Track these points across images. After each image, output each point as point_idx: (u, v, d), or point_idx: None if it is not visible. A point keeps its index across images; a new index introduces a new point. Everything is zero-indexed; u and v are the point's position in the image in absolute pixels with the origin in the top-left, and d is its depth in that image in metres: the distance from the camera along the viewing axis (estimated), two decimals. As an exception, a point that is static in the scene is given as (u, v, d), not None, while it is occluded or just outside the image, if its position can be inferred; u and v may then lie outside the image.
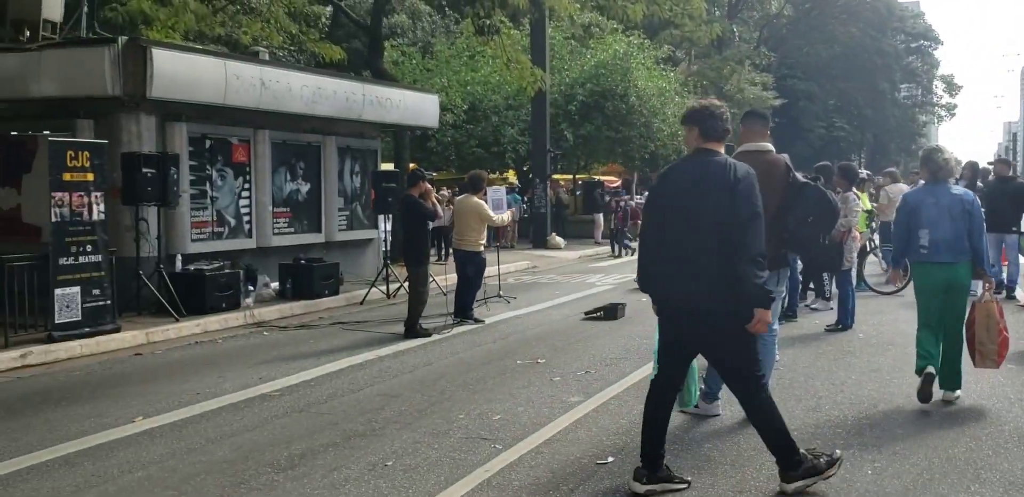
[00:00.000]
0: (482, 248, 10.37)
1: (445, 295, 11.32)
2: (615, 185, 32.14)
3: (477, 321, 10.29)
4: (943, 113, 66.26)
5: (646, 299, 11.56)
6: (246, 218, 12.66)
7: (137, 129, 11.08)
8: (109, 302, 9.55)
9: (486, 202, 11.37)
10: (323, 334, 9.96)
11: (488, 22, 19.40)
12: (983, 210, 6.25)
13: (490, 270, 12.70)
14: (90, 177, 9.30)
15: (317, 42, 19.40)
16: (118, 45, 10.09)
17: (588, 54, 26.45)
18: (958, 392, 6.15)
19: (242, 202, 12.59)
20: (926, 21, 66.51)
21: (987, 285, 6.14)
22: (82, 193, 9.22)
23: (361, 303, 12.56)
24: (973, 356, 6.09)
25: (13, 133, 11.12)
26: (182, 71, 10.64)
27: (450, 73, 26.45)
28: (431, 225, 9.98)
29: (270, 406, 6.38)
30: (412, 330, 9.32)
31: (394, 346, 8.82)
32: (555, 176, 27.20)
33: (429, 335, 9.33)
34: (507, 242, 21.53)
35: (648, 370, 7.33)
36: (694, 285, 4.25)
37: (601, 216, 25.12)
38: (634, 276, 13.86)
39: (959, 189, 6.25)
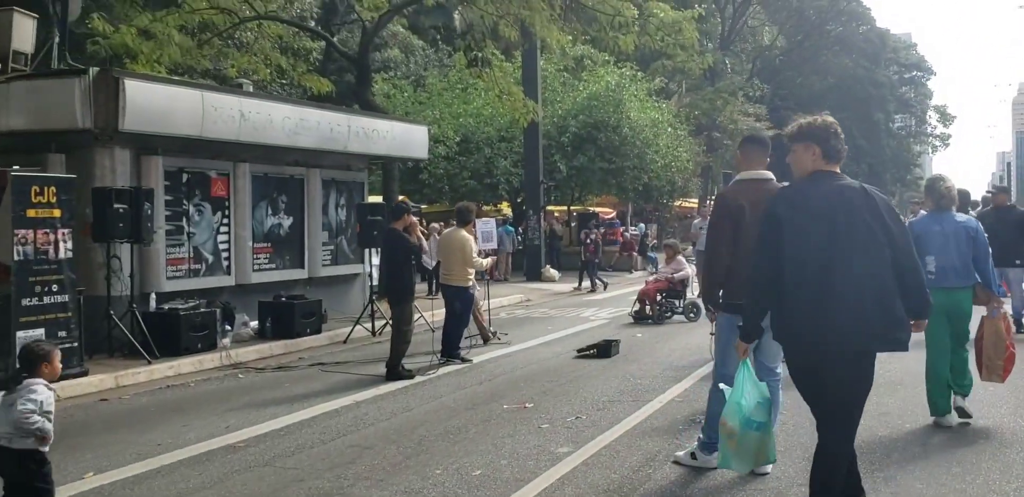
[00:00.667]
0: (471, 283, 9.91)
1: (433, 331, 10.84)
2: (610, 216, 31.83)
3: (464, 361, 9.80)
4: (937, 143, 66.38)
5: (641, 335, 11.02)
6: (224, 254, 12.22)
7: (111, 163, 10.69)
8: (76, 344, 9.07)
9: (475, 234, 10.93)
10: (301, 376, 9.46)
11: (480, 55, 19.23)
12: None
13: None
14: (57, 213, 8.88)
15: (304, 74, 19.11)
16: (89, 77, 9.73)
17: (580, 86, 26.30)
18: (966, 401, 6.33)
19: (220, 238, 12.15)
20: (919, 52, 67.00)
21: (996, 303, 6.28)
22: (48, 230, 8.78)
23: (345, 342, 12.07)
24: (980, 370, 6.36)
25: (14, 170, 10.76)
26: (156, 103, 10.28)
27: (442, 106, 26.27)
28: (419, 260, 9.51)
29: (233, 460, 5.88)
30: (394, 371, 8.83)
31: (374, 389, 8.33)
32: (550, 207, 26.89)
33: (412, 377, 8.84)
34: (501, 275, 21.08)
35: (644, 413, 6.87)
36: (869, 327, 3.76)
37: (596, 248, 24.71)
38: (629, 310, 13.51)
39: (963, 216, 6.46)
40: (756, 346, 5.19)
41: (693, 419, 6.46)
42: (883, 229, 3.80)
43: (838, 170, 4.03)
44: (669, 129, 27.48)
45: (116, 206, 9.92)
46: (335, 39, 26.80)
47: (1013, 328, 6.65)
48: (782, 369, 5.58)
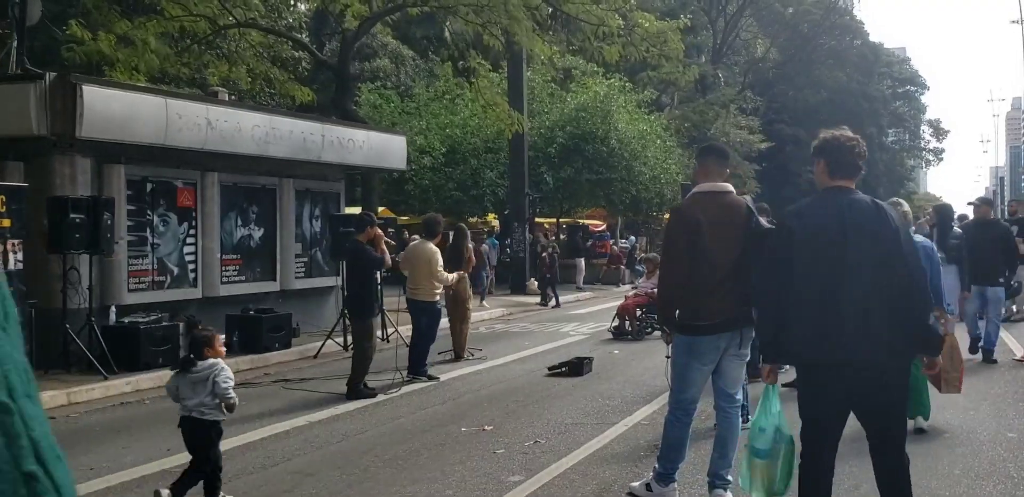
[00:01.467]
0: (437, 298, 9.57)
1: (408, 346, 10.46)
2: (600, 229, 31.54)
3: (431, 378, 9.45)
4: (931, 157, 66.36)
5: (618, 351, 10.66)
6: (191, 266, 11.87)
7: (71, 172, 10.35)
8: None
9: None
10: (260, 394, 9.10)
11: (466, 64, 18.99)
12: (968, 260, 6.66)
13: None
14: (6, 223, 8.56)
15: (286, 83, 18.84)
16: (45, 81, 9.42)
17: (568, 97, 26.05)
18: (926, 423, 6.48)
19: (187, 249, 11.81)
20: (912, 67, 66.98)
21: (943, 320, 6.33)
22: (-4, 240, 8.45)
23: (315, 357, 11.72)
24: (939, 384, 6.47)
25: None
26: (117, 109, 9.96)
27: (429, 116, 26.04)
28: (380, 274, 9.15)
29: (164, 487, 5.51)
30: (355, 390, 8.48)
31: (332, 409, 7.97)
32: (538, 219, 26.61)
33: (374, 395, 8.48)
34: (484, 288, 20.70)
35: (607, 437, 6.52)
36: (877, 338, 3.70)
37: (583, 261, 24.42)
38: (608, 325, 13.17)
39: (918, 237, 6.46)
40: (716, 369, 4.86)
41: (656, 444, 6.11)
42: (893, 245, 3.76)
43: (852, 185, 3.96)
44: (658, 141, 27.23)
45: (72, 216, 9.57)
46: (326, 49, 26.65)
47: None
48: (741, 395, 5.25)
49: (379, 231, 8.91)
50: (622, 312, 12.85)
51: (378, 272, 8.76)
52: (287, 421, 7.42)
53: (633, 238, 31.19)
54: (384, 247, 8.79)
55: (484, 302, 18.50)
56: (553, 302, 19.33)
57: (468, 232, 12.36)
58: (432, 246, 9.65)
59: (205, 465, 5.08)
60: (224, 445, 6.54)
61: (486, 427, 6.93)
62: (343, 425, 7.25)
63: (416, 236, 13.01)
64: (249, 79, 19.33)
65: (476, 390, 8.80)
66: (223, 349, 5.19)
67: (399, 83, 32.79)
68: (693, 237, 4.70)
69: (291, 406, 8.26)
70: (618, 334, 12.86)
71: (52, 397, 8.76)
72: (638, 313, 12.82)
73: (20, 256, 8.67)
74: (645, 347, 11.85)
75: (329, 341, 11.96)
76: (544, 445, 6.33)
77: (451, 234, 11.44)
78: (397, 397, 8.50)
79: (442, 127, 25.23)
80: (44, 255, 10.00)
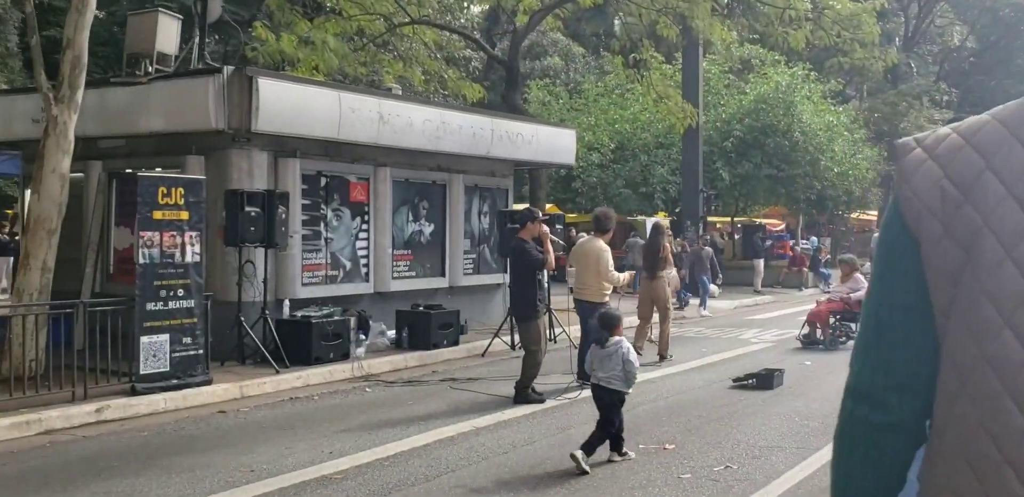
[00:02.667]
0: (607, 299, 8.91)
1: (576, 348, 9.88)
2: (778, 229, 29.87)
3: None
4: None
5: (810, 363, 9.63)
6: (363, 261, 11.80)
7: (248, 165, 10.47)
8: (201, 351, 8.77)
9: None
10: (428, 393, 8.78)
11: (637, 57, 18.23)
12: None
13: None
14: (184, 215, 8.61)
15: (456, 80, 18.74)
16: (223, 76, 9.49)
17: (747, 87, 24.67)
18: None
19: (359, 244, 11.75)
20: None
21: None
22: (174, 233, 8.53)
23: (482, 355, 11.38)
24: None
25: (128, 171, 10.83)
26: (291, 103, 9.94)
27: (598, 112, 25.43)
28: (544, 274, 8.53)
29: (322, 495, 5.18)
30: (523, 394, 7.97)
31: (498, 414, 7.50)
32: (711, 218, 25.42)
33: (542, 401, 7.95)
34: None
35: (810, 466, 5.67)
36: None
37: (762, 262, 23.04)
38: (797, 332, 12.06)
39: None
40: None
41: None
42: None
43: None
44: (846, 133, 25.33)
45: (248, 209, 9.63)
46: (497, 48, 26.61)
47: None
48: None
49: (544, 228, 8.34)
50: (813, 319, 11.72)
51: (540, 272, 8.19)
52: (452, 425, 7.01)
53: (815, 239, 29.26)
54: (550, 245, 8.21)
55: (705, 310, 17.13)
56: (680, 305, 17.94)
57: (665, 229, 11.70)
58: (602, 243, 9.01)
59: (610, 427, 5.74)
60: (389, 449, 6.23)
61: (667, 445, 6.22)
62: (510, 433, 6.74)
63: (584, 233, 12.45)
64: (423, 79, 19.41)
65: (653, 401, 8.08)
66: (622, 329, 5.99)
67: (568, 81, 32.39)
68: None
69: (457, 408, 7.86)
70: (808, 343, 11.75)
71: (226, 390, 8.79)
72: (831, 320, 11.65)
73: (197, 249, 8.73)
74: (841, 359, 10.68)
75: (496, 340, 11.59)
76: (737, 472, 5.55)
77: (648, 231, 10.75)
78: (566, 405, 7.93)
79: (611, 123, 24.54)
80: (222, 248, 10.16)
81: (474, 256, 13.65)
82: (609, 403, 5.83)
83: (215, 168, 10.36)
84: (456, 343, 11.60)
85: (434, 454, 6.08)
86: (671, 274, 11.49)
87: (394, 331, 11.66)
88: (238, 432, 7.04)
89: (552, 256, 8.22)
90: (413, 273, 12.63)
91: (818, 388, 8.67)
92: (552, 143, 14.24)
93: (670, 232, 14.10)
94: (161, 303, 8.43)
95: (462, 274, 13.34)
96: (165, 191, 8.45)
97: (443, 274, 13.08)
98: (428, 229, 12.89)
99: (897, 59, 23.36)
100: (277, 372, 9.48)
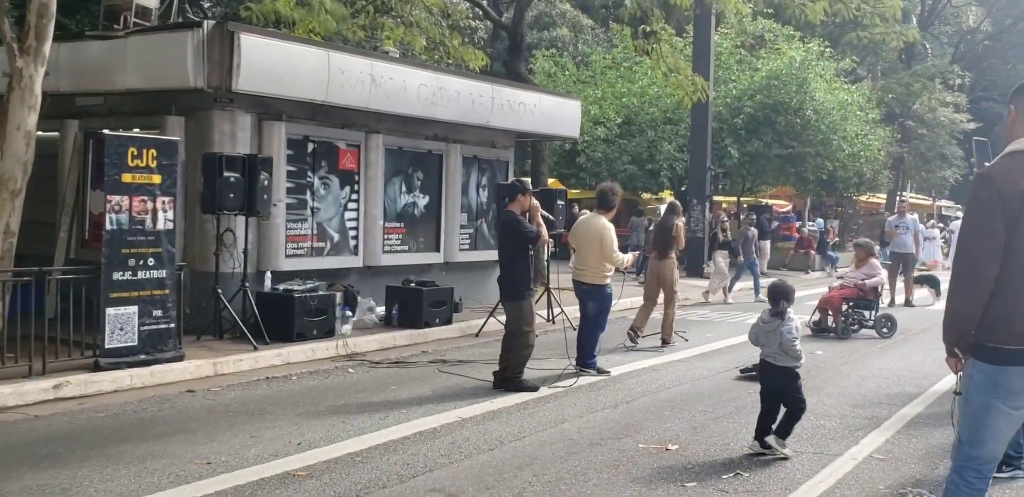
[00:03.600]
0: (608, 281, 8.30)
1: (575, 330, 9.28)
2: (785, 210, 29.19)
3: (601, 372, 8.24)
4: None
5: (822, 352, 9.00)
6: (352, 233, 11.19)
7: (231, 128, 9.81)
8: (173, 325, 8.18)
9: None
10: (414, 376, 8.21)
11: (647, 28, 17.43)
12: None
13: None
14: (156, 179, 7.98)
15: (461, 47, 17.95)
16: (203, 30, 8.80)
17: (759, 63, 23.85)
18: None
19: (348, 215, 11.12)
20: None
21: None
22: (145, 197, 7.90)
23: (476, 335, 10.82)
24: None
25: (105, 131, 10.16)
26: (275, 62, 9.26)
27: (605, 85, 24.60)
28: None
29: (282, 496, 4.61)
30: (514, 382, 7.39)
31: (487, 402, 6.92)
32: (716, 198, 24.72)
33: (535, 389, 7.36)
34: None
35: (831, 476, 5.08)
36: None
37: (768, 244, 22.41)
38: (807, 319, 11.44)
39: None
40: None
41: (901, 493, 4.64)
42: None
43: None
44: (859, 113, 24.54)
45: (227, 175, 9.00)
46: (504, 18, 25.72)
47: None
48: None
49: (535, 201, 7.68)
50: (824, 306, 11.11)
51: (532, 247, 7.56)
52: (436, 415, 6.42)
53: (821, 221, 28.58)
54: (540, 219, 7.57)
55: (730, 297, 16.27)
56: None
57: (679, 208, 11.09)
58: (605, 221, 8.37)
59: (800, 405, 5.52)
60: (363, 442, 5.67)
61: (669, 446, 5.63)
62: (498, 426, 6.16)
63: (587, 210, 11.76)
64: (425, 46, 18.62)
65: (654, 392, 7.48)
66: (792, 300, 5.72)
67: (576, 53, 31.52)
68: (1013, 216, 3.21)
69: (443, 394, 7.29)
70: (818, 330, 11.15)
71: (198, 367, 8.22)
72: (844, 307, 11.04)
73: (171, 215, 8.10)
74: (853, 348, 10.13)
75: (492, 319, 10.99)
76: (747, 480, 4.95)
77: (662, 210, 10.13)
78: (562, 393, 7.34)
79: (618, 96, 23.73)
80: (201, 216, 9.55)
81: (471, 231, 13.03)
82: (784, 382, 5.55)
83: (196, 130, 9.74)
84: (449, 322, 11.02)
85: (412, 449, 5.49)
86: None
87: (383, 308, 11.08)
88: (203, 416, 6.47)
89: (544, 230, 7.58)
90: (405, 247, 12.02)
91: (834, 382, 8.07)
92: (555, 113, 13.53)
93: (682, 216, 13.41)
94: (129, 273, 7.83)
95: (458, 250, 12.73)
96: (135, 152, 7.81)
97: (438, 249, 12.47)
98: (423, 201, 12.26)
99: (918, 35, 22.48)
100: (256, 349, 8.91)
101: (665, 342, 10.18)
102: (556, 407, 6.77)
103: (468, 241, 13.00)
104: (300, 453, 5.38)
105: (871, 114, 25.52)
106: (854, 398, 7.23)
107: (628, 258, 8.40)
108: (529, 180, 10.85)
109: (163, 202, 8.06)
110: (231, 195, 9.03)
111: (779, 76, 22.73)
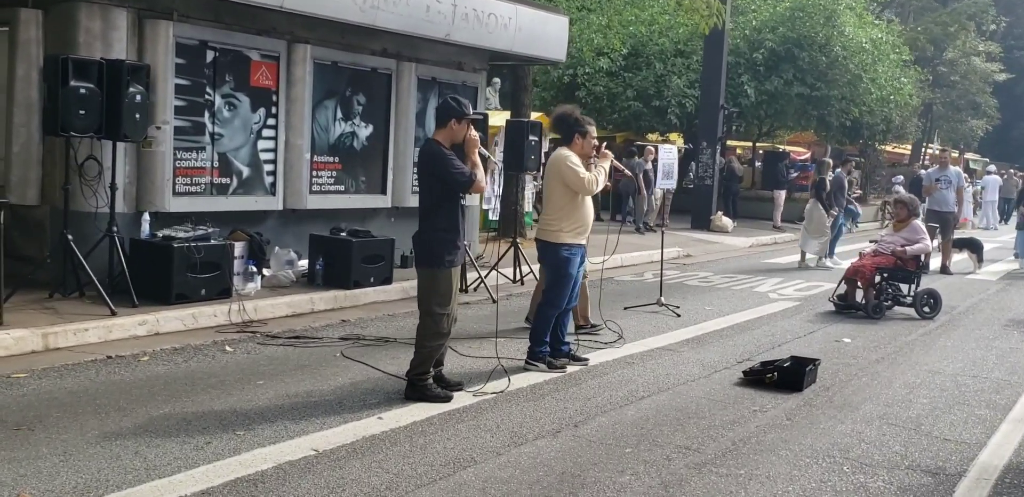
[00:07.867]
0: (564, 238, 6.04)
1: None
2: (803, 157, 26.76)
3: (553, 367, 6.10)
4: None
5: (850, 339, 6.13)
6: (268, 167, 8.98)
7: (101, 27, 7.55)
8: (-13, 283, 6.08)
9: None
10: (309, 360, 6.14)
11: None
12: None
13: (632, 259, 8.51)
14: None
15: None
16: None
17: (784, -8, 21.20)
18: None
19: (263, 144, 8.90)
20: None
21: None
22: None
23: (419, 299, 8.67)
24: None
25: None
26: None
27: (611, 12, 21.96)
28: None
29: None
30: (415, 388, 5.20)
31: (371, 419, 4.80)
32: (730, 142, 22.30)
33: (447, 399, 5.14)
34: (656, 220, 16.98)
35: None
36: None
37: (784, 194, 20.14)
38: (831, 291, 9.23)
39: None
40: None
41: None
42: None
43: None
44: (892, 55, 21.95)
45: (74, 84, 6.77)
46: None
47: None
48: None
49: (473, 131, 5.40)
50: (853, 276, 8.85)
51: (462, 195, 5.33)
52: (284, 443, 4.29)
53: (839, 171, 26.14)
54: (477, 158, 5.31)
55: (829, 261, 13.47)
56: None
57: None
58: (565, 151, 6.12)
59: None
60: (184, 486, 3.56)
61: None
62: (359, 472, 3.98)
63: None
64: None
65: (619, 406, 5.27)
66: None
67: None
68: None
69: (325, 397, 5.19)
70: (844, 306, 8.92)
71: (19, 340, 6.16)
72: (877, 279, 8.82)
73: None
74: (889, 335, 7.91)
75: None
76: None
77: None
78: (486, 406, 5.17)
79: (625, 24, 21.15)
80: (54, 140, 7.37)
81: (426, 170, 10.77)
82: None
83: (56, 29, 7.53)
84: (388, 282, 8.92)
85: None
86: None
87: (307, 261, 8.96)
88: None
89: (482, 172, 5.32)
90: (341, 187, 9.81)
91: (872, 391, 5.84)
92: (536, 30, 11.10)
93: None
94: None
95: (410, 193, 10.48)
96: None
97: (383, 191, 10.26)
98: (365, 131, 9.99)
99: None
100: (113, 314, 6.82)
101: (576, 327, 7.24)
102: (467, 433, 4.60)
103: (424, 182, 10.76)
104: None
105: (906, 55, 22.90)
106: (903, 428, 4.99)
107: (601, 177, 6.06)
108: (493, 105, 8.55)
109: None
110: (81, 111, 6.81)
111: (805, 7, 20.17)
